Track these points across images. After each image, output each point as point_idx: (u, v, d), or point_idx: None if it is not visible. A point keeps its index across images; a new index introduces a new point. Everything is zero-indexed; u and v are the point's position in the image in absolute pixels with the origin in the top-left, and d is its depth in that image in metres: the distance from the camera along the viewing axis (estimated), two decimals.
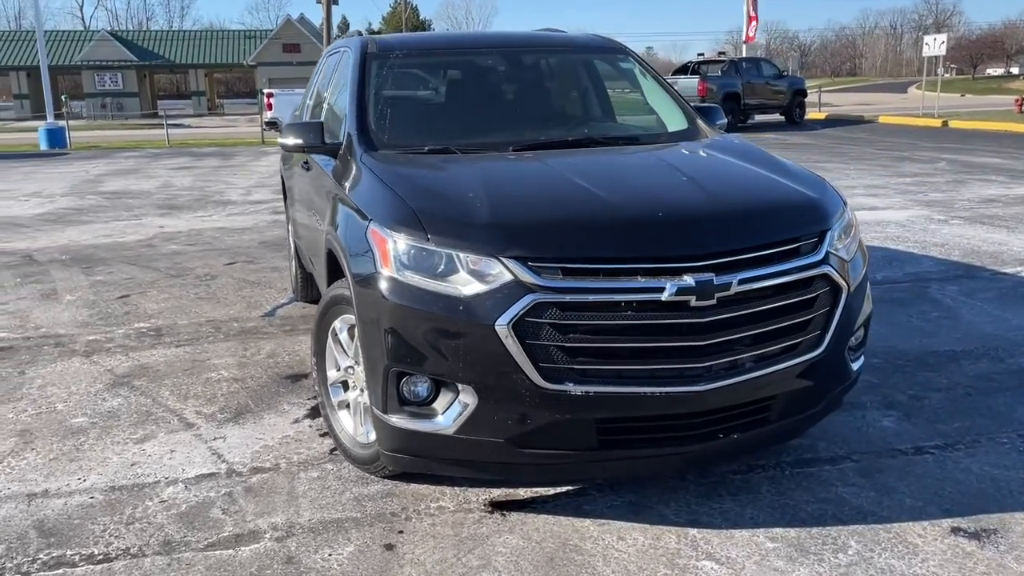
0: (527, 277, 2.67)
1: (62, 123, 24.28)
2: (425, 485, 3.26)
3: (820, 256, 2.95)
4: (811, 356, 2.94)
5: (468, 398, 2.75)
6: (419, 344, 2.77)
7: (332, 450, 3.61)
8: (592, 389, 2.70)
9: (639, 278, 2.69)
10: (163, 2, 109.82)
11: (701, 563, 2.75)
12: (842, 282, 2.97)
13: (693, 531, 2.93)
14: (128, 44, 52.05)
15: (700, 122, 4.13)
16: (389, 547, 2.88)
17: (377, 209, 3.04)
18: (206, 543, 2.93)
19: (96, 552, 2.89)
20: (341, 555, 2.84)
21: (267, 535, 2.97)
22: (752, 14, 28.93)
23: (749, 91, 23.04)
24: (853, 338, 3.21)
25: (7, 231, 9.80)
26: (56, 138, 23.15)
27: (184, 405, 4.23)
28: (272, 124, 23.45)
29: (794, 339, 2.91)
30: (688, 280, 2.68)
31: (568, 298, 2.66)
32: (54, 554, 2.88)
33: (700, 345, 2.73)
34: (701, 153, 3.69)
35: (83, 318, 5.97)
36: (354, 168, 3.48)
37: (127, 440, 3.83)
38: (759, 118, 25.67)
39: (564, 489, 3.22)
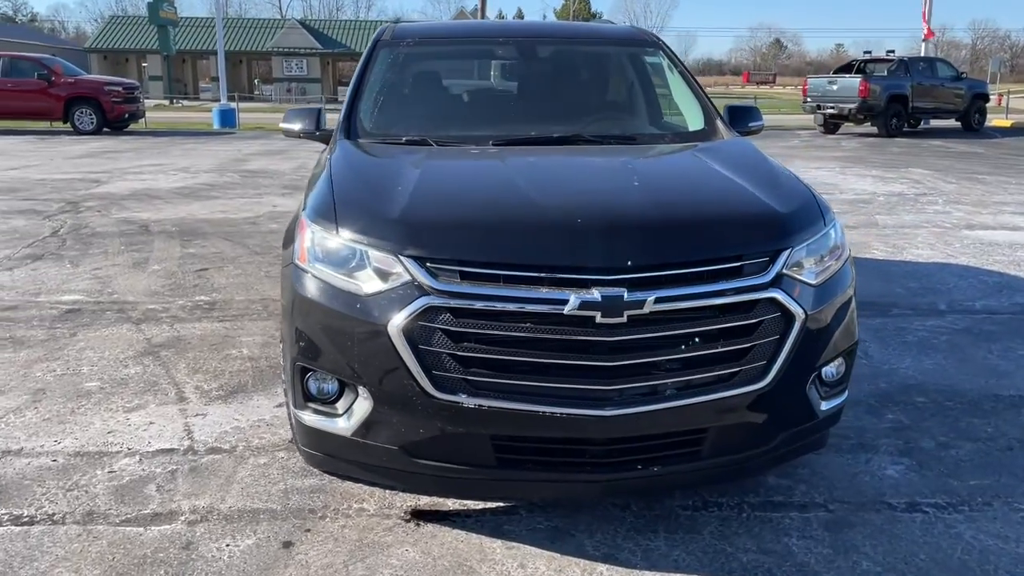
0: (423, 279, 2.52)
1: (233, 105, 25.88)
2: (359, 485, 3.17)
3: (767, 278, 2.61)
4: (752, 389, 2.61)
5: (365, 401, 2.63)
6: (321, 340, 2.68)
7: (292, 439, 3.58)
8: (486, 403, 2.51)
9: (542, 288, 2.48)
10: None
11: None
12: (796, 309, 2.62)
13: (602, 567, 2.69)
14: (315, 32, 54.87)
15: (719, 123, 3.80)
16: (287, 545, 2.82)
17: (310, 198, 2.97)
18: (123, 519, 2.97)
19: (24, 514, 3.00)
20: (237, 547, 2.80)
21: (182, 518, 2.98)
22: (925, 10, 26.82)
23: (920, 93, 21.32)
24: (824, 373, 2.85)
25: (142, 202, 10.49)
26: (227, 118, 24.73)
27: (189, 380, 4.35)
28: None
29: (729, 368, 2.59)
30: (594, 294, 2.44)
31: (464, 304, 2.49)
32: None
33: (607, 366, 2.49)
34: (683, 157, 3.39)
35: (156, 287, 6.27)
36: (326, 155, 3.44)
37: (119, 408, 3.97)
38: (933, 123, 23.81)
39: (494, 505, 3.04)
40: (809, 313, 2.67)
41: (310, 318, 2.69)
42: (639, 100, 4.14)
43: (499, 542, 2.83)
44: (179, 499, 3.11)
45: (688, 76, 4.04)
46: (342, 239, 2.68)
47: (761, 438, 2.74)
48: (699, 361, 2.57)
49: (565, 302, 2.44)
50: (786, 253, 2.67)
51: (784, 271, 2.65)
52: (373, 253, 2.60)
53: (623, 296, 2.44)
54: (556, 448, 2.58)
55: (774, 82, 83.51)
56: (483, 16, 28.17)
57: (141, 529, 2.91)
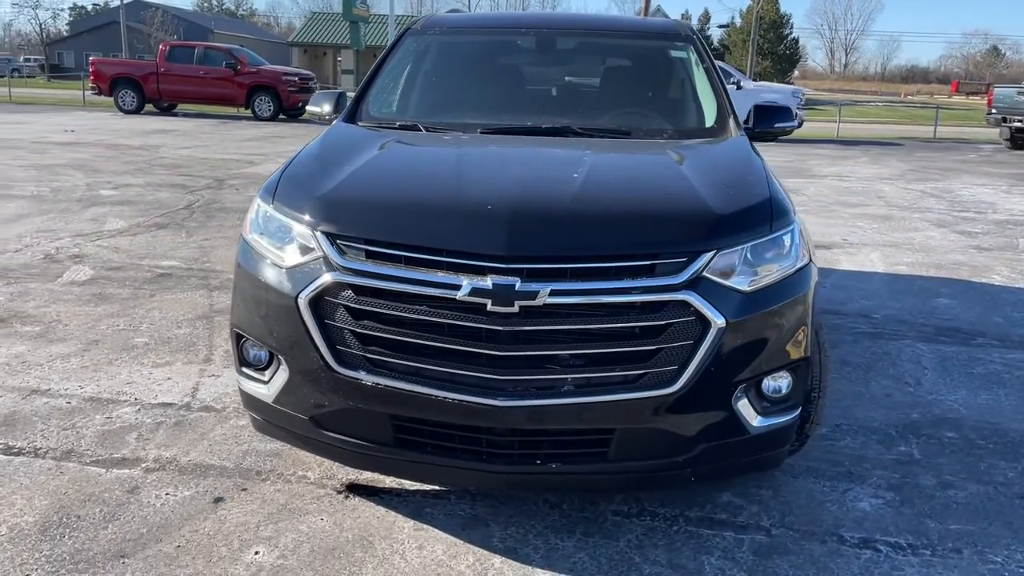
0: (331, 254, 2.58)
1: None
2: (312, 454, 3.27)
3: (680, 279, 2.48)
4: (660, 393, 2.50)
5: (283, 371, 2.73)
6: (251, 309, 2.80)
7: None
8: (384, 382, 2.55)
9: (439, 272, 2.48)
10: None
11: None
12: (713, 315, 2.48)
13: (497, 560, 2.66)
14: None
15: (731, 122, 3.61)
16: (218, 500, 2.97)
17: (274, 174, 3.10)
18: (93, 460, 3.23)
19: (16, 446, 3.32)
20: (173, 497, 2.98)
21: (143, 465, 3.20)
22: None
23: None
24: (764, 387, 2.69)
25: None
26: None
27: (225, 344, 4.62)
28: None
29: (635, 369, 2.49)
30: (486, 282, 2.42)
31: (365, 282, 2.53)
32: None
33: (500, 356, 2.45)
34: (652, 154, 3.25)
35: None
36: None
37: (149, 364, 4.29)
38: None
39: (429, 488, 3.07)
40: (732, 320, 2.52)
41: (246, 287, 2.81)
42: (652, 94, 4.00)
43: (412, 523, 2.86)
44: (150, 448, 3.34)
45: (713, 73, 3.87)
46: (277, 214, 2.79)
47: (676, 447, 2.60)
48: (602, 359, 2.49)
49: (459, 287, 2.43)
50: (707, 256, 2.53)
51: (705, 274, 2.51)
52: (297, 228, 2.70)
53: (515, 286, 2.40)
54: (454, 434, 2.58)
55: (988, 93, 77.10)
56: (646, 12, 27.79)
57: (103, 471, 3.15)
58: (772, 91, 21.85)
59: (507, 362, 2.46)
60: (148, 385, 3.99)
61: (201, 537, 2.74)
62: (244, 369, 2.89)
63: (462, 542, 2.75)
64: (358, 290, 2.54)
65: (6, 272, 6.00)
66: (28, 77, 55.45)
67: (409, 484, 3.09)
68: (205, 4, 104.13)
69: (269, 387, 2.78)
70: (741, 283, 2.58)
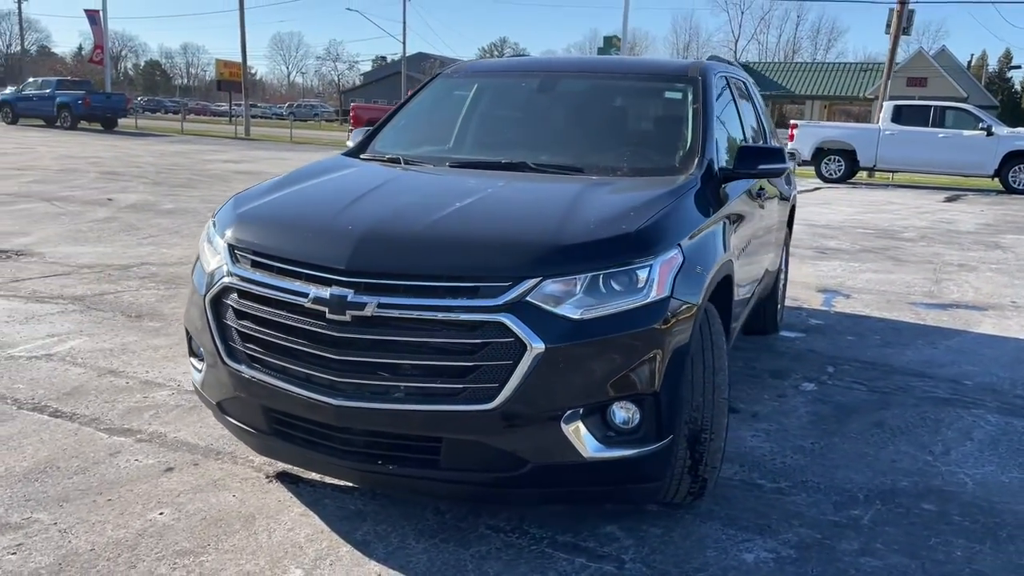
0: (228, 261, 3.02)
1: None
2: None
3: (499, 302, 2.63)
4: (478, 408, 2.65)
5: (203, 360, 3.19)
6: (190, 307, 3.29)
7: None
8: (257, 376, 2.92)
9: (297, 281, 2.82)
10: (811, 35, 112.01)
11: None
12: (529, 337, 2.59)
13: (344, 550, 2.91)
14: (753, 74, 54.87)
15: (694, 162, 3.61)
16: (168, 470, 3.48)
17: None
18: (104, 427, 3.88)
19: (62, 410, 4.05)
20: (138, 463, 3.52)
21: (137, 436, 3.80)
22: None
23: None
24: (610, 415, 2.75)
25: None
26: None
27: None
28: (790, 155, 23.16)
29: (455, 383, 2.67)
30: (325, 292, 2.73)
31: (246, 287, 2.93)
32: (42, 400, 4.13)
33: (335, 359, 2.74)
34: (564, 188, 3.33)
35: None
36: None
37: None
38: None
39: (343, 483, 3.37)
40: (553, 346, 2.61)
41: (191, 289, 3.32)
42: (628, 134, 4.05)
43: (302, 509, 3.18)
44: (155, 424, 3.94)
45: (700, 114, 3.86)
46: (212, 227, 3.28)
47: (505, 462, 2.73)
48: (428, 371, 2.69)
49: (307, 295, 2.76)
50: (531, 282, 2.64)
51: (529, 299, 2.64)
52: (216, 239, 3.17)
53: (347, 297, 2.69)
54: (311, 428, 2.88)
55: None
56: (891, 62, 26.07)
57: (104, 436, 3.78)
58: None
59: (344, 365, 2.74)
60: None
61: (132, 495, 3.24)
62: (191, 359, 3.39)
63: (328, 530, 3.03)
64: (241, 293, 2.95)
65: (175, 278, 7.08)
66: (326, 120, 62.73)
67: (329, 478, 3.41)
68: (485, 53, 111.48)
69: (199, 375, 3.25)
70: (571, 311, 2.66)
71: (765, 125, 5.58)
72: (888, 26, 25.82)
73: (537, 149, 3.90)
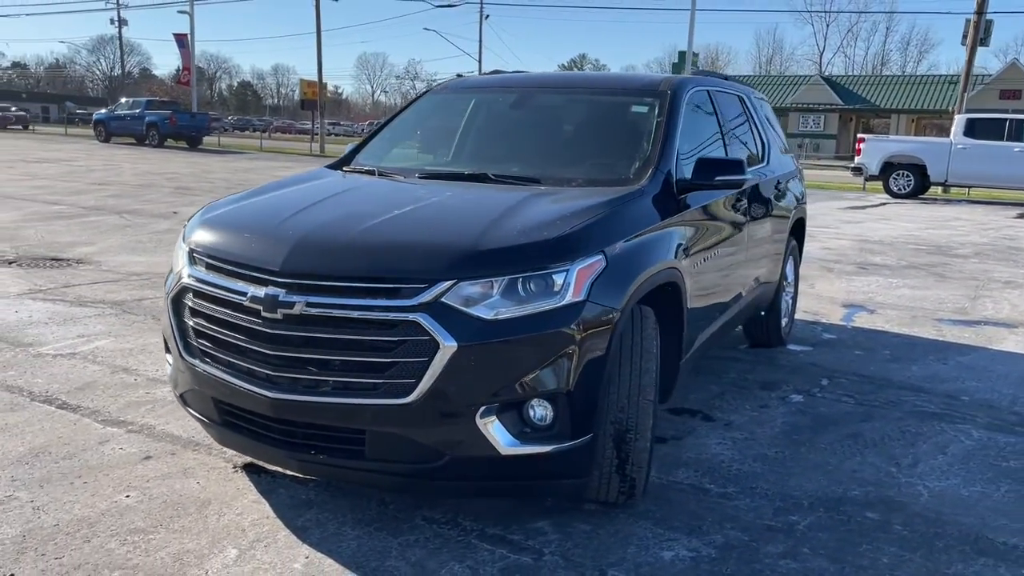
0: (186, 264, 3.28)
1: None
2: None
3: (414, 302, 2.80)
4: (396, 402, 2.82)
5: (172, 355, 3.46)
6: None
7: None
8: (208, 370, 3.16)
9: (240, 282, 3.06)
10: (901, 48, 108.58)
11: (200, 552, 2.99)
12: (442, 336, 2.76)
13: (283, 534, 3.11)
14: (838, 88, 54.00)
15: (647, 173, 3.72)
16: (147, 458, 3.75)
17: None
18: (102, 419, 4.18)
19: (69, 403, 4.38)
20: (122, 451, 3.81)
21: (128, 427, 4.09)
22: None
23: None
24: (526, 412, 2.89)
25: None
26: None
27: None
28: (857, 170, 22.70)
29: (374, 378, 2.85)
30: (260, 291, 2.95)
31: (200, 287, 3.18)
32: (55, 393, 4.47)
33: (270, 354, 2.96)
34: (506, 198, 3.46)
35: None
36: None
37: None
38: None
39: (304, 477, 3.58)
40: (465, 344, 2.77)
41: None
42: (595, 147, 4.16)
43: (256, 496, 3.40)
44: (148, 417, 4.23)
45: (663, 128, 3.96)
46: (181, 233, 3.55)
47: (424, 454, 2.89)
48: (351, 366, 2.88)
49: (247, 295, 2.99)
50: (446, 284, 2.81)
51: (444, 300, 2.80)
52: (181, 243, 3.43)
53: (279, 296, 2.90)
54: (252, 419, 3.10)
55: None
56: (968, 72, 25.23)
57: (100, 426, 4.09)
58: None
59: (278, 360, 2.95)
60: None
61: (107, 479, 3.52)
62: (166, 355, 3.66)
63: (274, 516, 3.24)
64: (196, 293, 3.20)
65: None
66: None
67: (290, 470, 3.62)
68: (564, 69, 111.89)
69: (170, 370, 3.52)
70: (485, 312, 2.82)
71: (766, 138, 5.61)
72: (964, 37, 25.07)
73: (503, 161, 4.08)
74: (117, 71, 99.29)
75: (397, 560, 2.95)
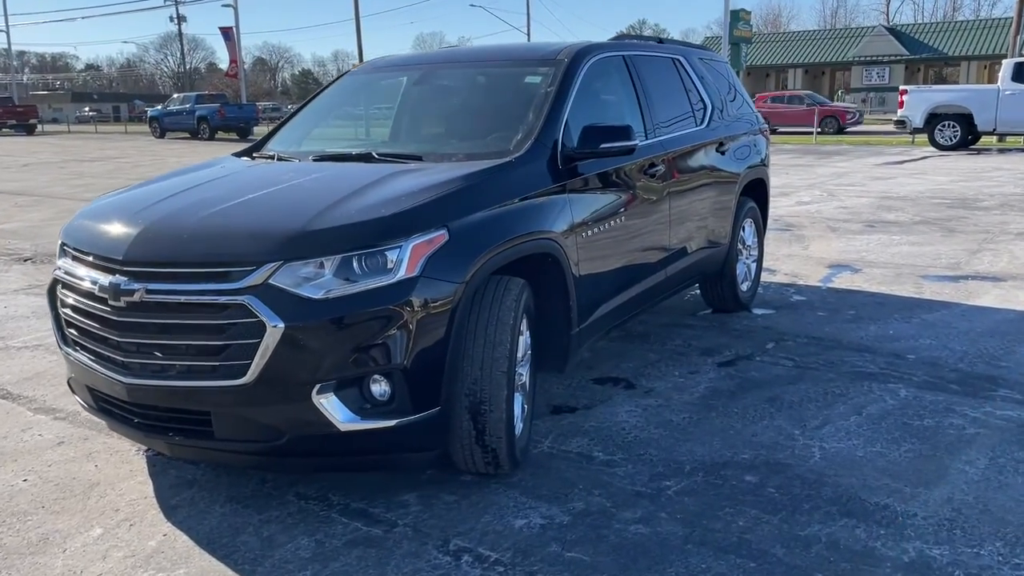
0: (59, 256, 3.41)
1: None
2: None
3: (241, 285, 2.87)
4: (232, 383, 2.90)
5: None
6: None
7: None
8: (79, 357, 3.30)
9: (94, 271, 3.17)
10: None
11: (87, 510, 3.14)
12: (268, 317, 2.82)
13: (152, 512, 3.24)
14: (902, 38, 51.96)
15: (527, 145, 3.69)
16: (60, 443, 3.93)
17: None
18: (23, 401, 4.39)
19: (17, 393, 4.61)
20: (43, 437, 3.99)
21: (51, 415, 4.28)
22: None
23: None
24: (367, 389, 2.96)
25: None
26: None
27: None
28: (900, 123, 21.90)
29: (211, 361, 2.93)
30: (106, 280, 3.06)
31: (65, 278, 3.32)
32: (3, 384, 4.70)
33: (121, 341, 3.07)
34: (363, 177, 3.48)
35: None
36: None
37: None
38: None
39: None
40: (293, 324, 2.83)
41: None
42: (483, 120, 4.14)
43: (144, 478, 3.53)
44: (79, 407, 4.41)
45: (552, 97, 3.92)
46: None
47: (266, 433, 2.97)
48: (189, 350, 2.97)
49: (97, 283, 3.11)
50: (272, 265, 2.86)
51: (272, 282, 2.86)
52: (60, 237, 3.57)
53: (120, 284, 3.01)
54: (116, 403, 3.22)
55: None
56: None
57: (30, 414, 4.29)
58: None
59: (128, 346, 3.06)
60: None
61: (15, 465, 3.70)
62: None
63: (152, 497, 3.37)
64: (64, 284, 3.33)
65: None
66: None
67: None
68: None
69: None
70: (314, 292, 2.87)
71: (707, 100, 5.48)
72: None
73: (396, 140, 4.12)
74: (182, 67, 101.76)
75: (250, 536, 3.05)
